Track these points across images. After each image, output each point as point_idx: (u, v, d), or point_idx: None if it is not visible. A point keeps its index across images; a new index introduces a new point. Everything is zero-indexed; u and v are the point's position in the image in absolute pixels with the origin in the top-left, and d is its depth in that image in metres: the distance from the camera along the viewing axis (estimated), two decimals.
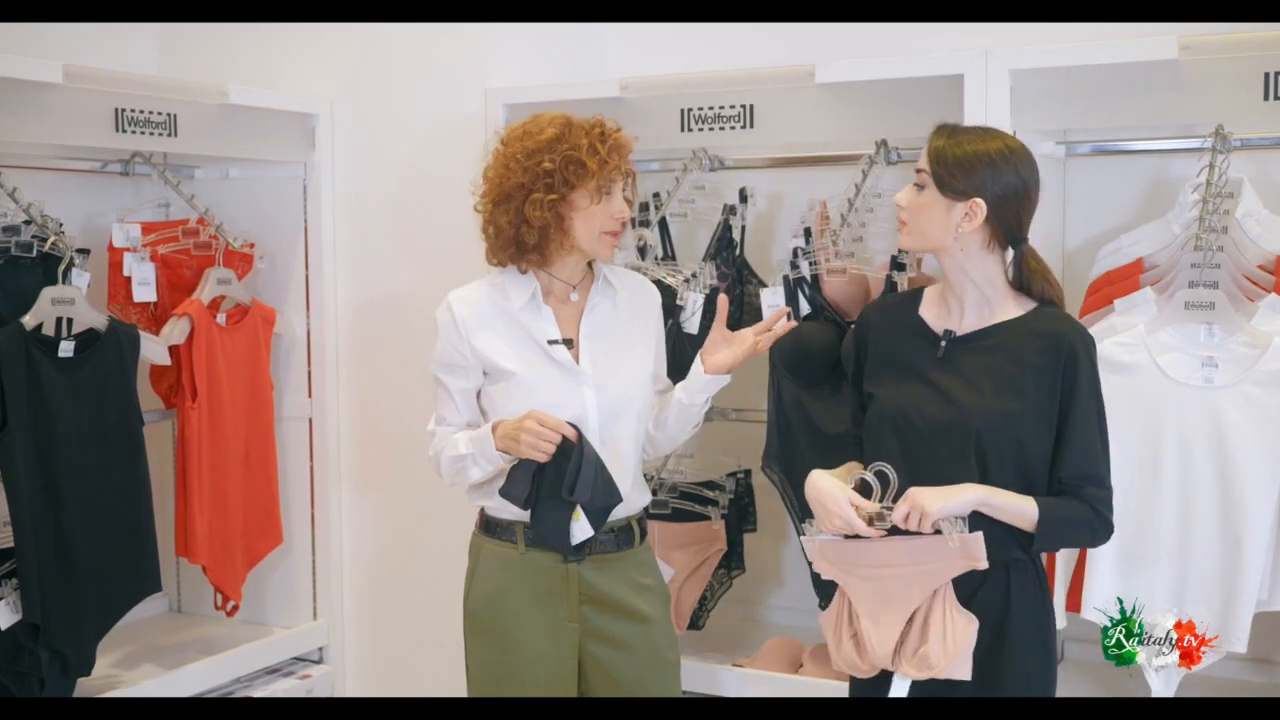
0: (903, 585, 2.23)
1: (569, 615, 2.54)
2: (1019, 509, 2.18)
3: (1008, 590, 2.22)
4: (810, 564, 2.33)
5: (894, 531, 2.21)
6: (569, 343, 2.54)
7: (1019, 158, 2.25)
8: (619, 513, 2.54)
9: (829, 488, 2.24)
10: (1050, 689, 2.30)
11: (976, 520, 2.17)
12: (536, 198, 2.45)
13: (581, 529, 2.48)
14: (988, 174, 2.22)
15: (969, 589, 2.22)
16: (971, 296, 2.29)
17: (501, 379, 2.52)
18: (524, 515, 2.51)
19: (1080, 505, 2.22)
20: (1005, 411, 2.20)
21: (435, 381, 2.60)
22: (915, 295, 2.41)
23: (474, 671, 2.63)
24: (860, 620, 2.27)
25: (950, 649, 2.18)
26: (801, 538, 2.33)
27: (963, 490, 2.17)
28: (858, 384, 2.41)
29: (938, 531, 2.17)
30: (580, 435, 2.43)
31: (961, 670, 2.19)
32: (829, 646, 2.35)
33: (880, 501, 2.22)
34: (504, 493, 2.47)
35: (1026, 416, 2.21)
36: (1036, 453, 2.22)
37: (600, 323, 2.58)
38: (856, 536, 2.23)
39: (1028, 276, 2.28)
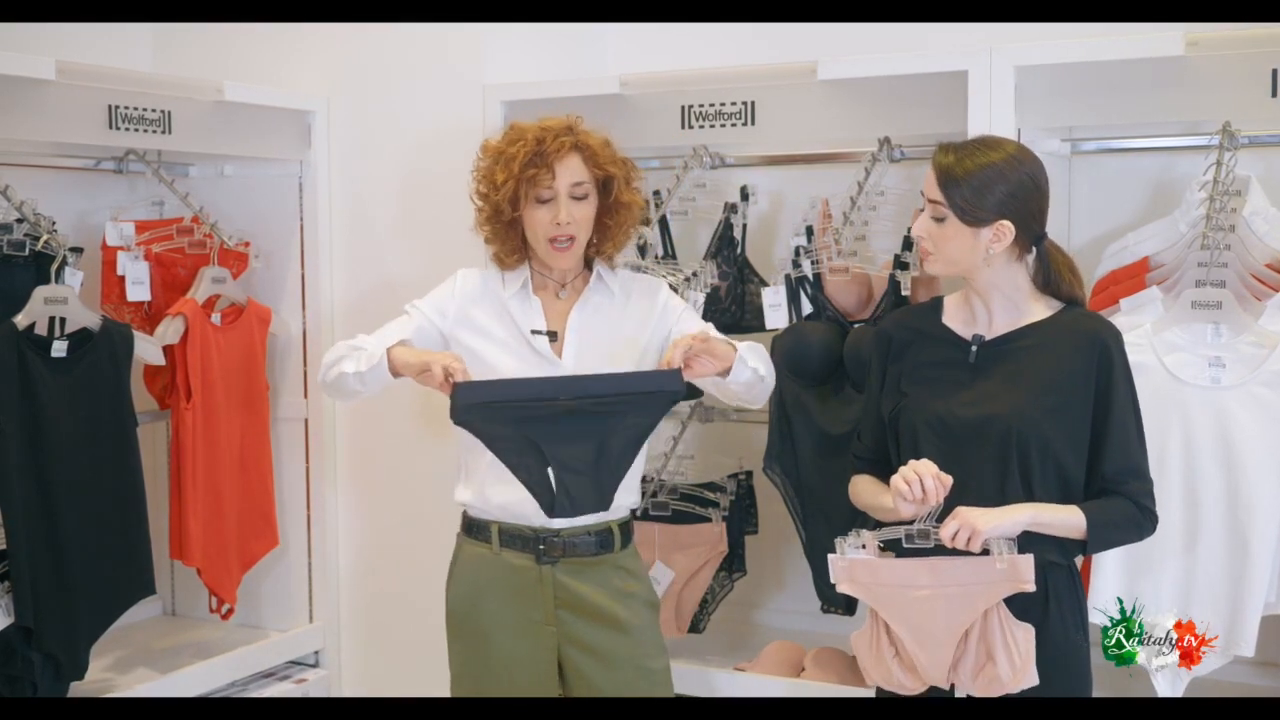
0: (944, 606, 2.21)
1: (545, 618, 2.54)
2: (1066, 521, 2.19)
3: (1045, 594, 2.23)
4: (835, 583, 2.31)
5: (922, 551, 2.21)
6: (553, 335, 2.54)
7: (1024, 161, 2.25)
8: (598, 515, 2.53)
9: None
10: (1087, 689, 2.31)
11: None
12: (483, 211, 2.57)
13: None
14: (1003, 190, 2.21)
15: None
16: (999, 302, 2.30)
17: (481, 365, 2.52)
18: (499, 515, 2.53)
19: (1123, 503, 2.24)
20: (1043, 412, 2.21)
21: (401, 312, 2.62)
22: (936, 304, 2.41)
23: (455, 672, 2.64)
24: (904, 643, 2.26)
25: (1019, 664, 2.19)
26: (830, 555, 2.31)
27: (1014, 511, 2.17)
28: (877, 401, 2.40)
29: (984, 552, 2.16)
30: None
31: (1030, 680, 2.19)
32: (864, 667, 2.34)
33: (925, 520, 2.21)
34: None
35: (1064, 416, 2.22)
36: (1074, 452, 2.23)
37: (589, 318, 2.57)
38: (891, 555, 2.24)
39: (1055, 274, 2.29)
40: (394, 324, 2.60)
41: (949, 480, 2.15)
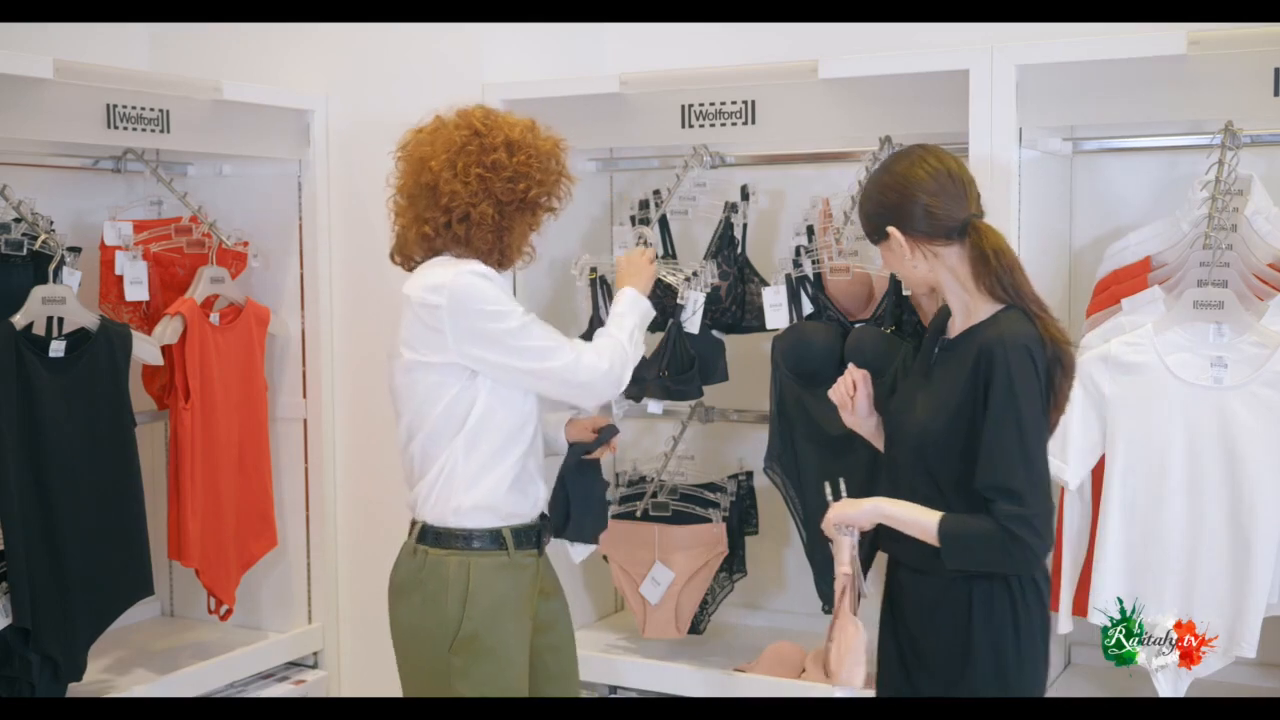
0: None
1: (532, 612, 2.54)
2: (917, 521, 2.19)
3: (969, 604, 2.19)
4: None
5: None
6: None
7: (893, 163, 2.26)
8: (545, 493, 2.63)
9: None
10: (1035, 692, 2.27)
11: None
12: (540, 208, 2.54)
13: None
14: (874, 200, 2.26)
15: (930, 601, 2.24)
16: (952, 302, 2.29)
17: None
18: (508, 520, 2.49)
19: (989, 523, 2.11)
20: (929, 425, 2.23)
21: (526, 317, 2.44)
22: None
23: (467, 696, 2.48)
24: None
25: (840, 654, 2.25)
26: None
27: (864, 501, 2.26)
28: None
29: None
30: None
31: (853, 677, 2.25)
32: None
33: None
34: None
35: (948, 430, 2.19)
36: (964, 466, 2.16)
37: None
38: None
39: (978, 268, 2.19)
40: (543, 328, 2.48)
41: (861, 375, 2.41)
